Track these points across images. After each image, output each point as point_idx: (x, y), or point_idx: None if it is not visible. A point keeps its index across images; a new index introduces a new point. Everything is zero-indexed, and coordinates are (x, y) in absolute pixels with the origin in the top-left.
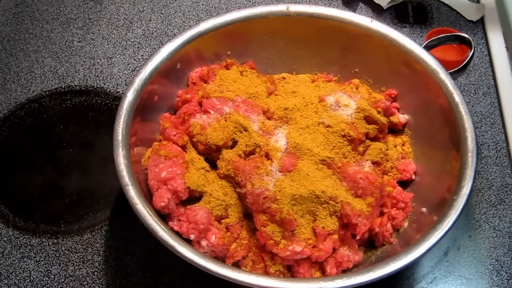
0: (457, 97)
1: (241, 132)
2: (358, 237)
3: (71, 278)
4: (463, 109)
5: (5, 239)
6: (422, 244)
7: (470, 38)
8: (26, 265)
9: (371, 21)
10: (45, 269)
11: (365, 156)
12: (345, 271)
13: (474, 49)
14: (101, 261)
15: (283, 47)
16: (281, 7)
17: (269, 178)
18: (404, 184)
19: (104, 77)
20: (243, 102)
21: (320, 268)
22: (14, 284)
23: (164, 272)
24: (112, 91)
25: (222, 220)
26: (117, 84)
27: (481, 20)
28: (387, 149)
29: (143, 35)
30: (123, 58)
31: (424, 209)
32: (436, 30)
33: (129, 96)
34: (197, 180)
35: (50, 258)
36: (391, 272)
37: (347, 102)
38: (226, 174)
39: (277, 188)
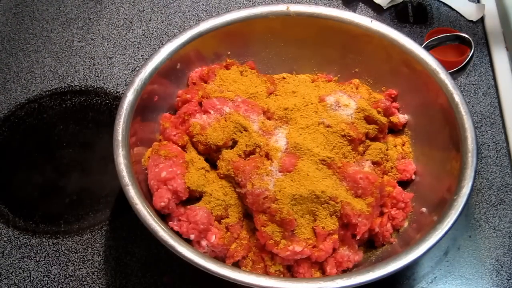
0: (457, 97)
1: (241, 132)
2: (358, 237)
3: (71, 278)
4: (463, 109)
5: (5, 239)
6: (422, 244)
7: (470, 38)
8: (26, 265)
9: (371, 21)
10: (45, 269)
11: (365, 156)
12: (345, 271)
13: (474, 49)
14: (101, 261)
15: (283, 47)
16: (281, 7)
17: (269, 178)
18: (404, 184)
19: (104, 77)
20: (243, 102)
21: (320, 268)
22: (14, 284)
23: (164, 272)
24: (112, 91)
25: (222, 220)
26: (117, 84)
27: (481, 20)
28: (387, 149)
29: (143, 35)
30: (123, 58)
31: (424, 209)
32: (436, 30)
33: (129, 96)
34: (197, 180)
35: (50, 258)
36: (391, 272)
37: (347, 102)
38: (226, 174)
39: (277, 188)
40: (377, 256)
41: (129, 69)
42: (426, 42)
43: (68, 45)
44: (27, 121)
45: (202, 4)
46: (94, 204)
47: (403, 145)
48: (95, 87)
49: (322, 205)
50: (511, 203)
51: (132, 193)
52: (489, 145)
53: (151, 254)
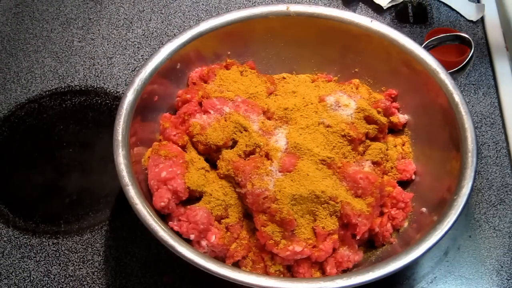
0: (457, 97)
1: (241, 132)
2: (358, 237)
3: (71, 278)
4: (463, 109)
5: (5, 239)
6: (422, 244)
7: (470, 38)
8: (26, 265)
9: (371, 21)
10: (45, 269)
11: (365, 156)
12: (345, 271)
13: (474, 49)
14: (101, 261)
15: (283, 47)
16: (281, 7)
17: (269, 178)
18: (404, 184)
19: (104, 77)
20: (243, 102)
21: (320, 268)
22: (14, 284)
23: (164, 272)
24: (112, 91)
25: (222, 220)
26: (117, 84)
27: (481, 20)
28: (387, 149)
29: (143, 35)
30: (123, 58)
31: (424, 209)
32: (436, 30)
33: (129, 96)
34: (197, 180)
35: (50, 258)
36: (391, 272)
37: (347, 102)
38: (226, 174)
39: (277, 188)
40: (377, 256)
41: (129, 69)
42: (426, 42)
43: (68, 45)
44: (27, 121)
45: (202, 4)
46: (94, 204)
47: (403, 145)
48: (95, 87)
49: (322, 205)
50: (511, 203)
51: (132, 193)
52: (489, 145)
53: (151, 254)
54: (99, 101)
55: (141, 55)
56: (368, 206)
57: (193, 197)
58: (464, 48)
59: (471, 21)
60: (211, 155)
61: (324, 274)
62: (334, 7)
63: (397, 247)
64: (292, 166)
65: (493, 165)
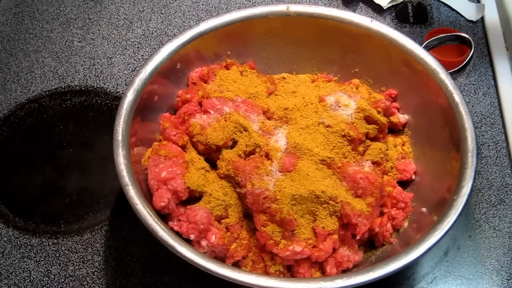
0: (457, 97)
1: (241, 132)
2: (358, 237)
3: (71, 278)
4: (463, 109)
5: (5, 239)
6: (422, 244)
7: (470, 38)
8: (26, 265)
9: (371, 21)
10: (45, 269)
11: (365, 156)
12: (345, 271)
13: (474, 49)
14: (101, 261)
15: (283, 47)
16: (281, 7)
17: (269, 178)
18: (404, 184)
19: (104, 77)
20: (243, 102)
21: (320, 268)
22: (14, 284)
23: (164, 272)
24: (112, 91)
25: (222, 220)
26: (117, 84)
27: (481, 20)
28: (387, 149)
29: (143, 35)
30: (123, 58)
31: (424, 209)
32: (436, 30)
33: (129, 96)
34: (197, 180)
35: (50, 258)
36: (391, 272)
37: (347, 102)
38: (226, 174)
39: (277, 188)
40: (377, 256)
41: (129, 69)
42: (426, 42)
43: (68, 45)
44: (27, 121)
45: (202, 4)
46: (94, 204)
47: (403, 145)
48: (95, 87)
49: (322, 205)
50: (511, 203)
51: (132, 193)
52: (489, 145)
53: (151, 254)
54: (99, 101)
55: (141, 55)
56: (368, 206)
57: (193, 197)
58: (464, 48)
59: (471, 21)
60: (211, 155)
61: (324, 274)
62: (334, 7)
63: (397, 247)
64: (292, 166)
65: (493, 165)
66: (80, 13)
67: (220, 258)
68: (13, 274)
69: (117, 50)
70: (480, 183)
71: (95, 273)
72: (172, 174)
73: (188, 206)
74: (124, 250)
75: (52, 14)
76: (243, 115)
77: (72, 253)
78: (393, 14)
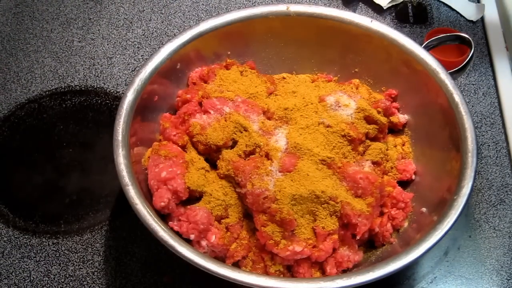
0: (457, 97)
1: (241, 132)
2: (358, 237)
3: (71, 278)
4: (463, 109)
5: (5, 239)
6: (422, 244)
7: (470, 38)
8: (26, 265)
9: (371, 21)
10: (45, 269)
11: (365, 156)
12: (345, 271)
13: (474, 49)
14: (101, 261)
15: (283, 47)
16: (281, 7)
17: (269, 178)
18: (404, 184)
19: (104, 77)
20: (243, 102)
21: (320, 268)
22: (14, 284)
23: (164, 272)
24: (112, 91)
25: (222, 220)
26: (117, 84)
27: (481, 20)
28: (387, 149)
29: (143, 35)
30: (123, 58)
31: (424, 209)
32: (436, 30)
33: (129, 96)
34: (197, 180)
35: (50, 258)
36: (391, 272)
37: (347, 102)
38: (226, 174)
39: (277, 188)
40: (377, 256)
41: (129, 69)
42: (426, 42)
43: (68, 45)
44: (27, 121)
45: (202, 4)
46: (94, 204)
47: (403, 145)
48: (95, 87)
49: (322, 205)
50: (511, 203)
51: (132, 193)
52: (489, 145)
53: (151, 254)
54: (99, 101)
55: (141, 55)
56: (368, 206)
57: (193, 197)
58: (464, 48)
59: (471, 21)
60: (211, 155)
61: (324, 274)
62: (334, 7)
63: (397, 247)
64: (292, 166)
65: (493, 165)
66: (80, 13)
67: (220, 258)
68: (13, 274)
69: (117, 50)
70: (480, 183)
71: (95, 273)
72: (172, 174)
73: (188, 206)
74: (124, 250)
75: (52, 14)
76: (243, 115)
77: (72, 253)
78: (393, 14)
